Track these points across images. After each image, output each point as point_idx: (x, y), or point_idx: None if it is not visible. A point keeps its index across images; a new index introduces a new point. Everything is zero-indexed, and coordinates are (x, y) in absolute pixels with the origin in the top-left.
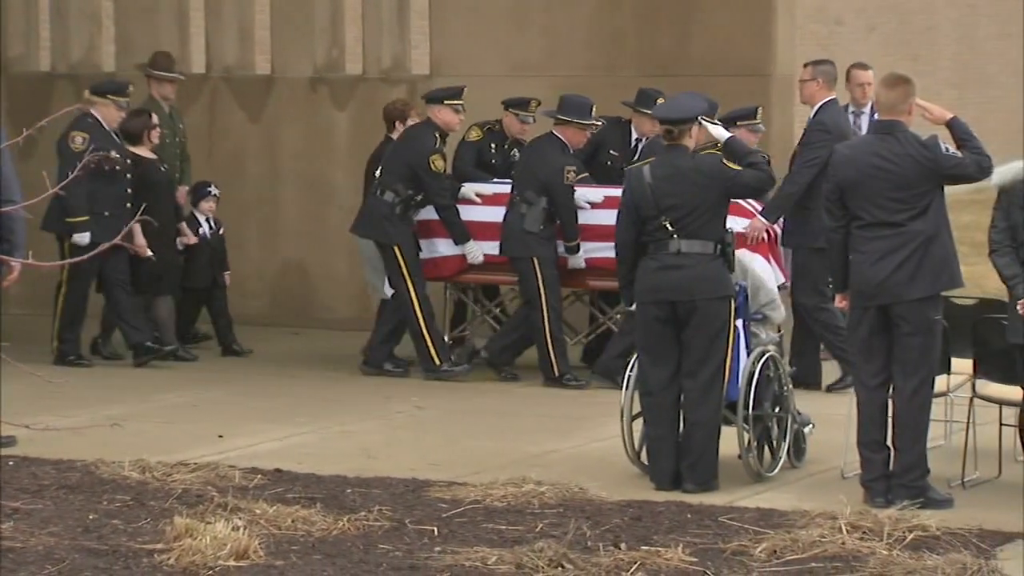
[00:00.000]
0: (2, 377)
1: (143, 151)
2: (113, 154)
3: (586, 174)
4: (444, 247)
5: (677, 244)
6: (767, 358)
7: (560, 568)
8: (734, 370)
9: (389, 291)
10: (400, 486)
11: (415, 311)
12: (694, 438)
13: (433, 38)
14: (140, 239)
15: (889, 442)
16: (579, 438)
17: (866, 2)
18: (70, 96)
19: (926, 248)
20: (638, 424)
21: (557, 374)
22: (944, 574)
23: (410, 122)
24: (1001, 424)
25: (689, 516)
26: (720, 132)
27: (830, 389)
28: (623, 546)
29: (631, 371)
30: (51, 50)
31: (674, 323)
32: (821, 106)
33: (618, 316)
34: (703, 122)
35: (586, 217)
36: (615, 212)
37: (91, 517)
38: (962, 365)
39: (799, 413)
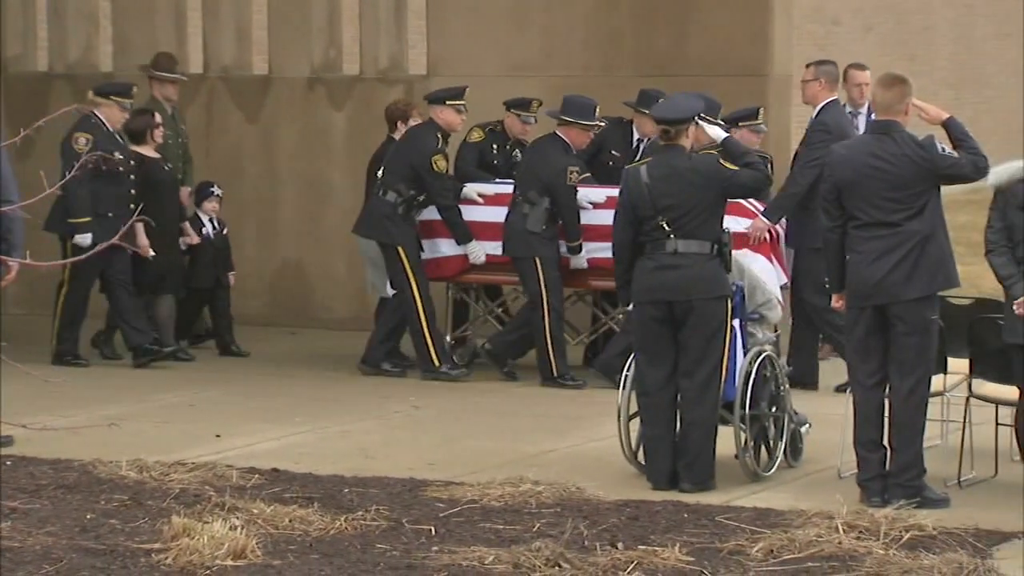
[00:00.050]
0: (0, 377)
1: (147, 150)
2: (116, 155)
3: (588, 174)
4: (446, 247)
5: (674, 244)
6: (764, 358)
7: (557, 567)
8: (731, 370)
9: (391, 291)
10: (397, 486)
11: (418, 311)
12: (691, 438)
13: (430, 38)
14: (143, 239)
15: (885, 442)
16: (576, 438)
17: (863, 2)
18: (67, 96)
19: (922, 248)
20: (635, 424)
21: (555, 374)
22: (940, 574)
23: (412, 122)
24: (997, 424)
25: (686, 516)
26: (717, 132)
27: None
28: (620, 545)
29: (628, 371)
30: (49, 50)
31: (671, 323)
32: (823, 106)
33: (620, 316)
34: (700, 122)
35: (588, 217)
36: None
37: (88, 517)
38: (958, 365)
39: (796, 413)
